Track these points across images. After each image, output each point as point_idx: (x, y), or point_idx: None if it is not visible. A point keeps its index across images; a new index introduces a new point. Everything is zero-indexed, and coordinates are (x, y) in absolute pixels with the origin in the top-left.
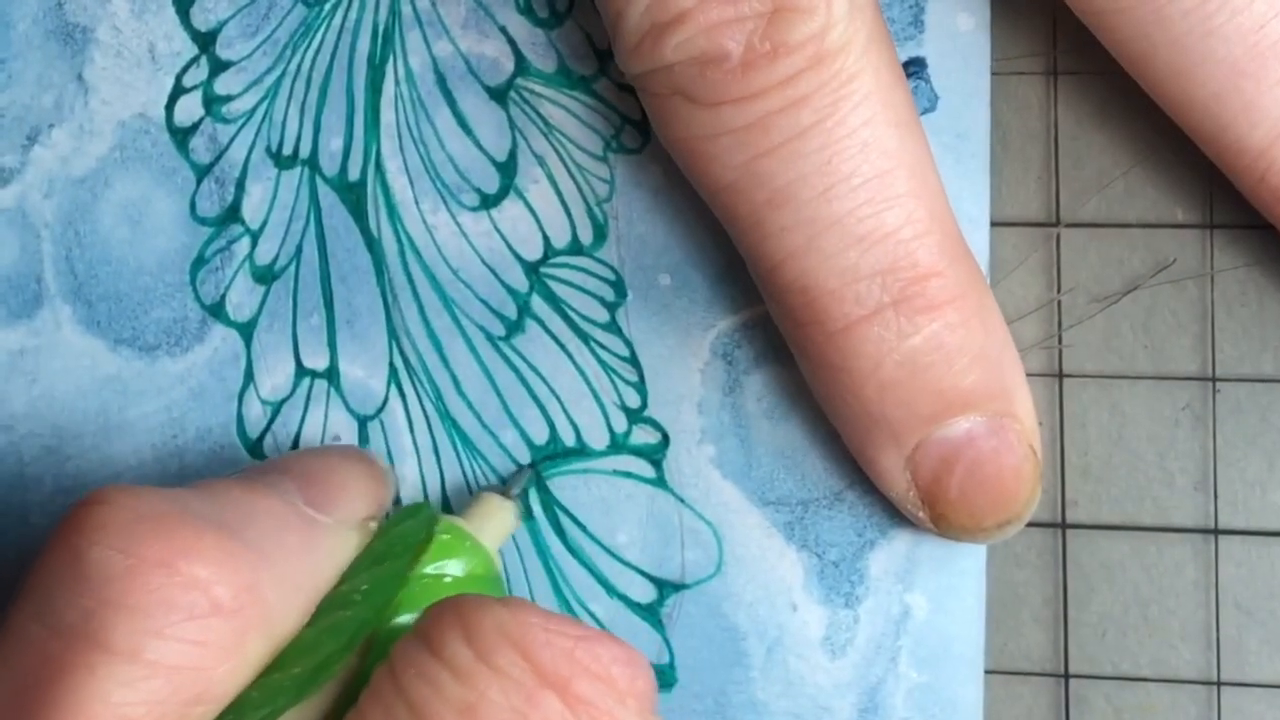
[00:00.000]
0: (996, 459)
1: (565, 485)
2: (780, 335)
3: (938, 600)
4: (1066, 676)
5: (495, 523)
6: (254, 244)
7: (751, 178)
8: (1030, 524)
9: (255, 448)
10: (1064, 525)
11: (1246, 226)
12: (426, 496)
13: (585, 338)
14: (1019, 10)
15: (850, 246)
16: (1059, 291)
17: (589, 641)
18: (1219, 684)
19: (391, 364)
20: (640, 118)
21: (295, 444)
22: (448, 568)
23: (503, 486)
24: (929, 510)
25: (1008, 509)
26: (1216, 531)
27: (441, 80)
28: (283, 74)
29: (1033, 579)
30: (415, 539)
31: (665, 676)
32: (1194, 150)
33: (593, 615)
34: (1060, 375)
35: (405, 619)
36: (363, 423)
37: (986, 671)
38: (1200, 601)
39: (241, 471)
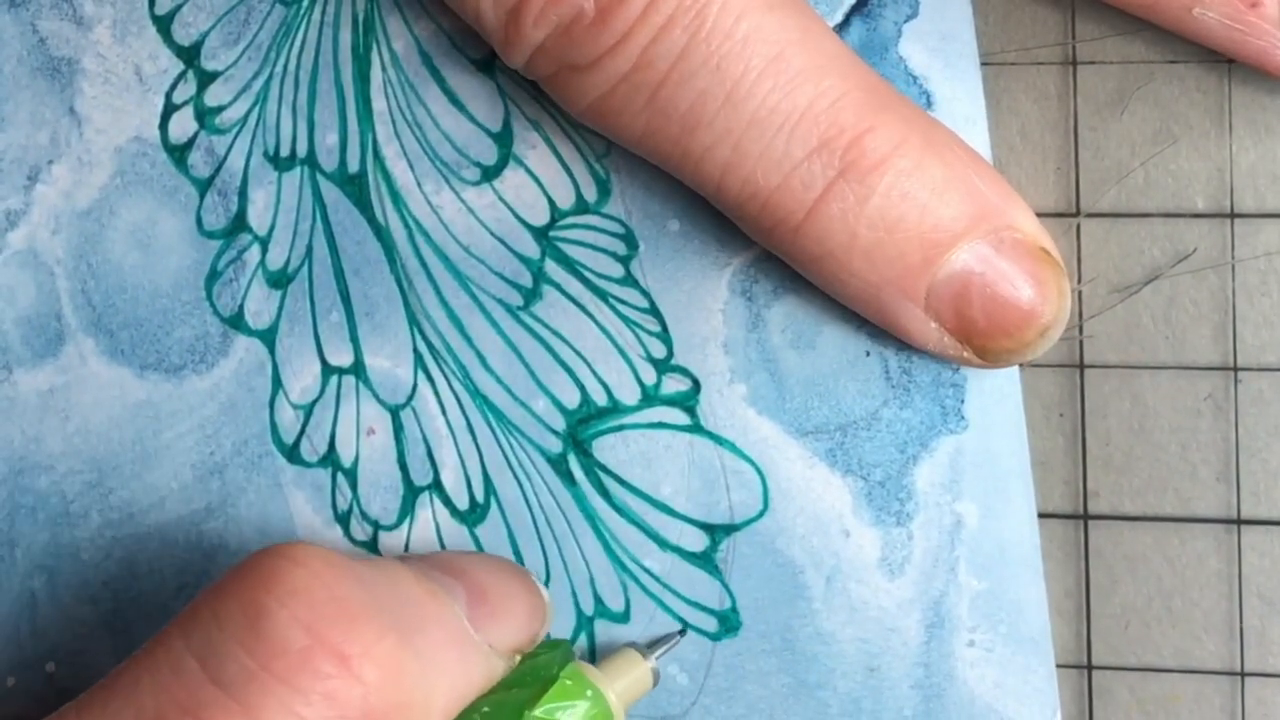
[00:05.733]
0: (1008, 275)
1: (604, 445)
2: None
3: (987, 505)
4: (1090, 668)
5: (628, 679)
6: (264, 250)
7: (659, 115)
8: (1052, 515)
9: (293, 453)
10: (1086, 517)
11: (1267, 215)
12: (468, 477)
13: (603, 295)
14: (1036, 1)
15: (773, 138)
16: (1079, 282)
17: None
18: (1242, 675)
19: (416, 350)
20: None
21: (330, 445)
22: (562, 714)
23: (646, 647)
24: (970, 347)
25: (1039, 318)
26: (1239, 522)
27: (427, 60)
28: (270, 77)
29: (1055, 571)
30: (546, 674)
31: (729, 621)
32: (1214, 140)
33: (648, 571)
34: (1081, 366)
35: None
36: (395, 413)
37: None
38: (1223, 592)
39: (416, 560)
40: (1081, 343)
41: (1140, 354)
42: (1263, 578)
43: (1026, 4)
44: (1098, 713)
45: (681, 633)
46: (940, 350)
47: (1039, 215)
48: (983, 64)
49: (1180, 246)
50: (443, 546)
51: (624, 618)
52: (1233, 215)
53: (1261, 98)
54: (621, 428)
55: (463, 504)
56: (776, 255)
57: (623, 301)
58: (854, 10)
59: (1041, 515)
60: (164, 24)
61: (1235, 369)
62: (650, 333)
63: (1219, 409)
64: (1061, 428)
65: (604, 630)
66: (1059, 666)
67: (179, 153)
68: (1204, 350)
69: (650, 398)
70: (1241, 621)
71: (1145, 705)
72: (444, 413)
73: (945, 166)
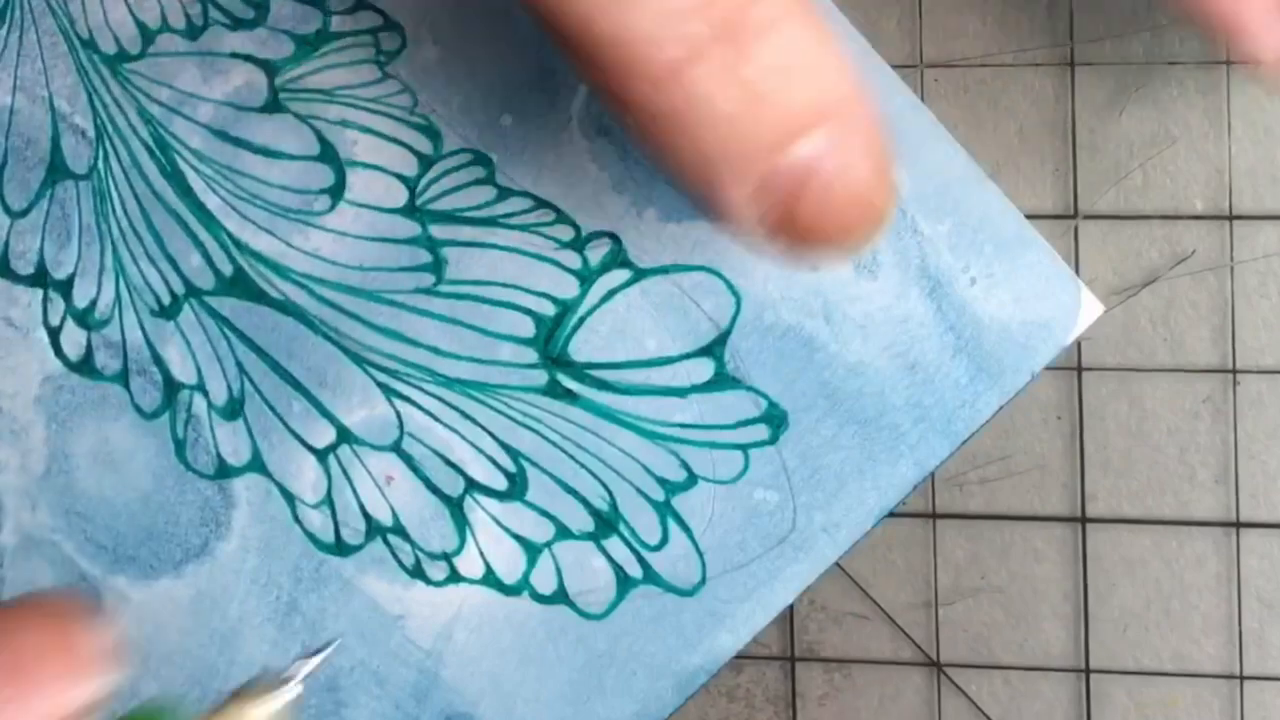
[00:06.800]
0: (844, 177)
1: (576, 346)
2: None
3: (908, 163)
4: (1088, 672)
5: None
6: (206, 394)
7: None
8: (1050, 518)
9: (341, 547)
10: (1084, 520)
11: (1266, 217)
12: (491, 459)
13: (491, 221)
14: (1035, 3)
15: None
16: None
17: None
18: (1241, 678)
19: (379, 385)
20: (382, 24)
21: (366, 517)
22: None
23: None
24: (784, 238)
25: (864, 226)
26: (1238, 525)
27: (223, 134)
28: (114, 247)
29: (1053, 574)
30: None
31: (775, 417)
32: (1213, 141)
33: (684, 425)
34: (1079, 368)
35: None
36: (397, 449)
37: (1008, 668)
38: (1222, 595)
39: None
40: (1080, 345)
41: (1138, 356)
42: (1262, 580)
43: (1025, 5)
44: (1096, 716)
45: (324, 647)
46: (751, 235)
47: (1038, 217)
48: (981, 65)
49: (1179, 248)
50: (510, 535)
51: (691, 480)
52: (1231, 217)
53: (1260, 99)
54: (580, 320)
55: (501, 486)
56: (615, 109)
57: (511, 214)
58: None
59: (1040, 518)
60: (4, 267)
61: (1234, 371)
62: (550, 224)
63: (1218, 411)
64: (1060, 430)
65: (682, 503)
66: (1058, 671)
67: (86, 367)
68: (1202, 352)
69: (587, 278)
70: (1240, 625)
71: (1144, 709)
72: (435, 418)
73: (820, 48)
